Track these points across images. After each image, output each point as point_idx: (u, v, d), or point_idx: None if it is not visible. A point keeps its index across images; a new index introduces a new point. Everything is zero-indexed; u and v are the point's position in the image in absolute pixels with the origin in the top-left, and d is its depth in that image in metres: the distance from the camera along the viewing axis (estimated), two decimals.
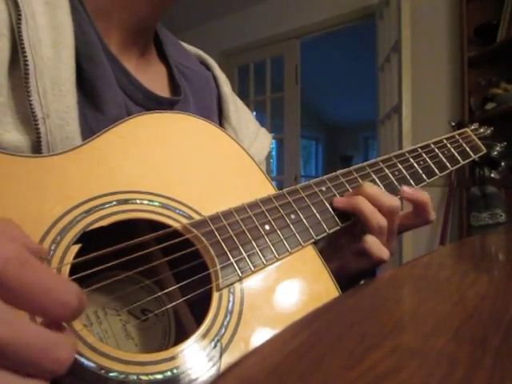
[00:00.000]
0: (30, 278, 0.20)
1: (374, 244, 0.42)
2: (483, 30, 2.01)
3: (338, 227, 0.42)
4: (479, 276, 0.27)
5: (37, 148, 0.34)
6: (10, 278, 0.20)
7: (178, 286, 0.34)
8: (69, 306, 0.21)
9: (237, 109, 0.57)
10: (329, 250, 0.48)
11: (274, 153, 4.30)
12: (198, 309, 0.33)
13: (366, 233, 0.42)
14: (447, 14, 2.22)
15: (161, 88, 0.50)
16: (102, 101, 0.40)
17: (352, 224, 0.44)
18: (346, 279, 0.45)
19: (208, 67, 0.59)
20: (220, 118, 0.56)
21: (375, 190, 0.43)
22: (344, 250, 0.46)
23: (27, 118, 0.34)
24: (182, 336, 0.32)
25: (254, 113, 3.34)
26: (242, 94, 3.11)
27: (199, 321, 0.32)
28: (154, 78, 0.50)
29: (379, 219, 0.42)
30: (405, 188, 0.47)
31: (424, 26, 2.27)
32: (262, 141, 0.59)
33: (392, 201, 0.43)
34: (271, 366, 0.15)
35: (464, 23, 2.05)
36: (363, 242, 0.42)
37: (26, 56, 0.34)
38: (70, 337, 0.22)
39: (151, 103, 0.45)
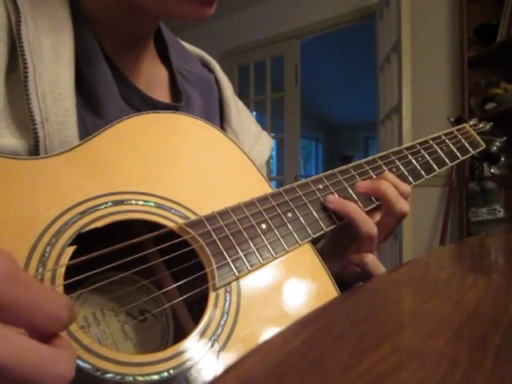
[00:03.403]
0: (20, 294, 0.19)
1: (372, 262, 0.43)
2: (483, 30, 2.01)
3: (335, 225, 0.42)
4: (479, 276, 0.27)
5: (34, 152, 0.34)
6: (1, 295, 0.19)
7: (174, 285, 0.34)
8: (60, 319, 0.21)
9: (238, 112, 0.57)
10: (328, 253, 0.48)
11: (274, 153, 4.29)
12: (197, 309, 0.33)
13: (362, 250, 0.43)
14: (447, 14, 2.22)
15: (161, 93, 0.49)
16: (101, 105, 0.40)
17: (346, 230, 0.44)
18: (347, 282, 0.45)
19: (210, 69, 0.59)
20: (221, 120, 0.55)
21: (396, 178, 0.45)
22: (343, 252, 0.46)
23: (24, 123, 0.34)
24: (180, 336, 0.32)
25: (254, 113, 3.34)
26: (242, 94, 3.12)
27: (198, 320, 0.31)
28: (153, 83, 0.49)
29: (403, 205, 0.43)
30: (360, 183, 0.45)
31: (424, 26, 2.27)
32: (264, 145, 0.59)
33: (407, 188, 0.45)
34: (271, 366, 0.15)
35: (464, 23, 2.05)
36: (363, 262, 0.43)
37: (25, 59, 0.34)
38: (69, 351, 0.22)
39: (149, 108, 0.45)
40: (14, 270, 0.20)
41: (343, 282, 0.44)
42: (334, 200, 0.43)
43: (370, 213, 0.44)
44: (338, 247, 0.48)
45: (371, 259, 0.43)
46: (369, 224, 0.42)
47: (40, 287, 0.21)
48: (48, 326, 0.21)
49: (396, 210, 0.43)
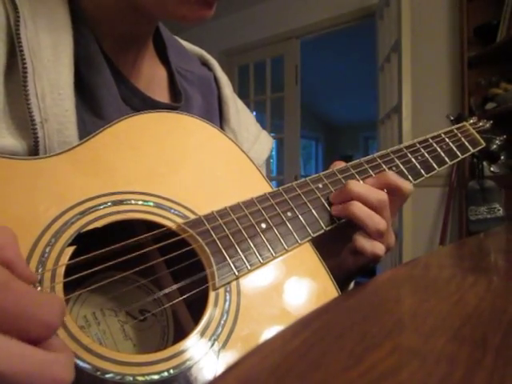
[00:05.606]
0: (10, 303, 0.20)
1: (365, 242, 0.41)
2: (483, 30, 2.01)
3: (335, 224, 0.42)
4: (479, 276, 0.27)
5: (34, 153, 0.34)
6: None
7: (175, 287, 0.34)
8: (51, 326, 0.21)
9: (237, 111, 0.57)
10: (323, 247, 0.47)
11: (274, 153, 4.29)
12: (197, 308, 0.33)
13: (356, 231, 0.41)
14: (447, 13, 2.22)
15: (160, 93, 0.49)
16: (101, 106, 0.40)
17: (346, 223, 0.43)
18: (344, 277, 0.45)
19: (209, 68, 0.59)
20: (220, 119, 0.55)
21: (361, 187, 0.42)
22: (339, 249, 0.45)
23: (23, 124, 0.34)
24: (180, 335, 0.32)
25: (254, 113, 3.34)
26: (242, 94, 3.11)
27: (197, 320, 0.31)
28: (152, 83, 0.49)
29: (377, 223, 0.41)
30: (333, 207, 0.43)
31: (424, 26, 2.27)
32: (263, 144, 0.59)
33: (379, 195, 0.42)
34: (271, 366, 0.15)
35: (464, 23, 2.05)
36: (354, 240, 0.41)
37: (24, 59, 0.34)
38: (66, 353, 0.21)
39: (148, 109, 0.44)
40: (6, 280, 0.20)
41: (340, 276, 0.43)
42: (335, 208, 0.42)
43: None
44: (334, 247, 0.46)
45: (360, 237, 0.41)
46: (375, 218, 0.41)
47: (32, 295, 0.21)
48: (40, 332, 0.21)
49: (371, 230, 0.41)
